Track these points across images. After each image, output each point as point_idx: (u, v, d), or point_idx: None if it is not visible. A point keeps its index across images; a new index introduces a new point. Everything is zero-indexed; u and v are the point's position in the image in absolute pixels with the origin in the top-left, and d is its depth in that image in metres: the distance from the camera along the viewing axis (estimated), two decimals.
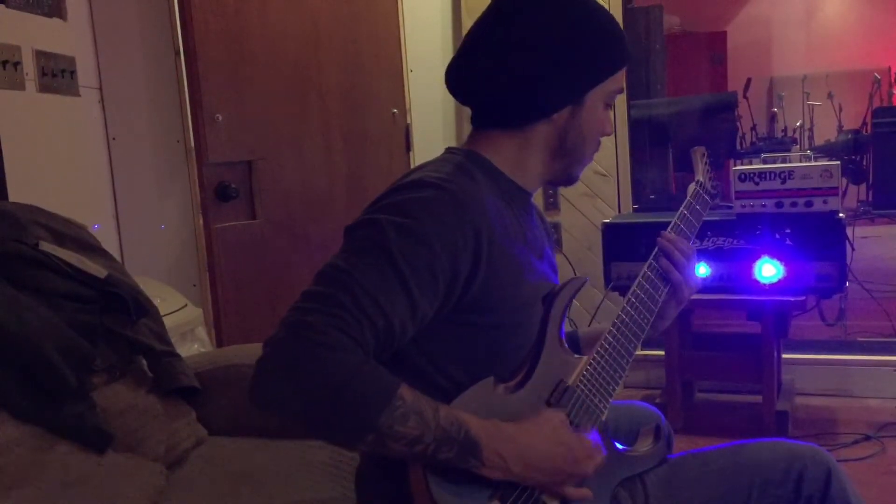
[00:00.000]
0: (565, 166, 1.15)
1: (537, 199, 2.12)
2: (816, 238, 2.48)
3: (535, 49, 1.06)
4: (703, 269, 2.54)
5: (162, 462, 1.46)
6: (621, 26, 1.17)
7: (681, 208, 1.24)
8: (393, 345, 0.95)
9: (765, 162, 2.65)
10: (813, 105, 7.55)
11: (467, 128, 1.17)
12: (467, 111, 1.17)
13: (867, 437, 2.56)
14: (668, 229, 1.21)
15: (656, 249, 1.18)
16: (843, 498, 1.12)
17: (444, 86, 1.15)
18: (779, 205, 2.53)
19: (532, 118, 1.10)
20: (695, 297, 1.24)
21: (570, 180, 1.18)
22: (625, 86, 1.19)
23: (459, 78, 1.12)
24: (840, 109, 7.49)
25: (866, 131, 6.96)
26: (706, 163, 1.32)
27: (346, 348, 0.87)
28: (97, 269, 1.55)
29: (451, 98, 1.15)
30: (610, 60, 1.11)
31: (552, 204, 3.23)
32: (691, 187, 1.27)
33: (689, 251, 1.18)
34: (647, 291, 1.15)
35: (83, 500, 1.25)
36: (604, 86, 1.11)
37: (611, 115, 1.17)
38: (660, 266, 1.17)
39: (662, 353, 2.72)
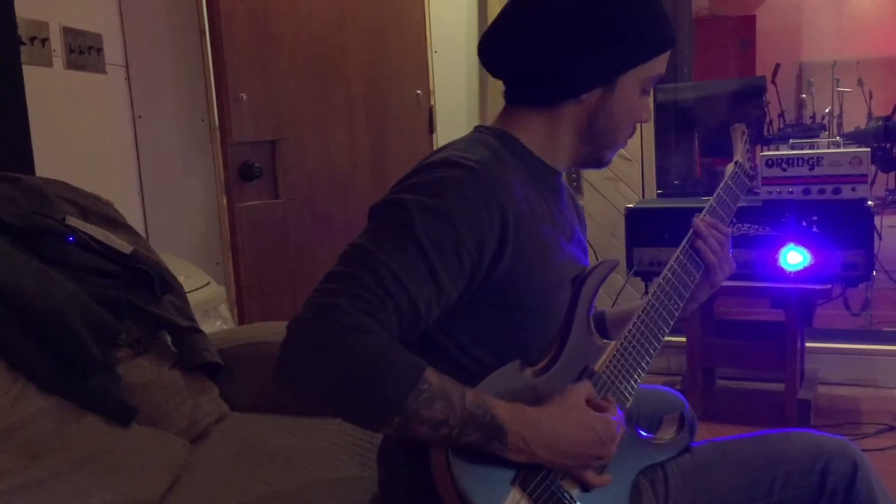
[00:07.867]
0: (594, 149, 1.11)
1: None
2: (844, 226, 2.45)
3: (567, 26, 1.02)
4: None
5: (185, 436, 1.48)
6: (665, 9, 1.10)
7: (718, 189, 1.21)
8: (418, 327, 0.94)
9: (793, 148, 2.60)
10: (842, 92, 7.41)
11: (492, 110, 1.16)
12: (492, 93, 1.15)
13: (890, 428, 2.54)
14: (705, 211, 1.17)
15: (691, 231, 1.14)
16: (868, 492, 1.10)
17: (468, 67, 1.13)
18: (806, 191, 2.49)
19: (559, 98, 1.06)
20: None
21: (599, 163, 1.14)
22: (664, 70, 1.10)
23: (491, 50, 1.09)
24: (870, 96, 7.33)
25: None
26: (746, 141, 1.26)
27: (371, 331, 0.87)
28: (123, 245, 1.56)
29: (475, 80, 1.14)
30: (648, 44, 1.05)
31: (575, 188, 3.20)
32: (729, 167, 1.23)
33: (724, 234, 1.15)
34: (680, 275, 1.13)
35: (107, 472, 1.26)
36: (640, 70, 1.06)
37: (648, 101, 1.12)
38: (695, 249, 1.14)
39: (684, 339, 2.69)
